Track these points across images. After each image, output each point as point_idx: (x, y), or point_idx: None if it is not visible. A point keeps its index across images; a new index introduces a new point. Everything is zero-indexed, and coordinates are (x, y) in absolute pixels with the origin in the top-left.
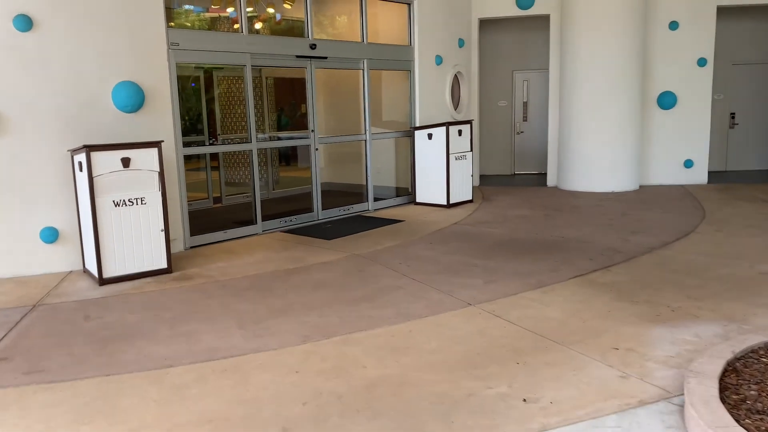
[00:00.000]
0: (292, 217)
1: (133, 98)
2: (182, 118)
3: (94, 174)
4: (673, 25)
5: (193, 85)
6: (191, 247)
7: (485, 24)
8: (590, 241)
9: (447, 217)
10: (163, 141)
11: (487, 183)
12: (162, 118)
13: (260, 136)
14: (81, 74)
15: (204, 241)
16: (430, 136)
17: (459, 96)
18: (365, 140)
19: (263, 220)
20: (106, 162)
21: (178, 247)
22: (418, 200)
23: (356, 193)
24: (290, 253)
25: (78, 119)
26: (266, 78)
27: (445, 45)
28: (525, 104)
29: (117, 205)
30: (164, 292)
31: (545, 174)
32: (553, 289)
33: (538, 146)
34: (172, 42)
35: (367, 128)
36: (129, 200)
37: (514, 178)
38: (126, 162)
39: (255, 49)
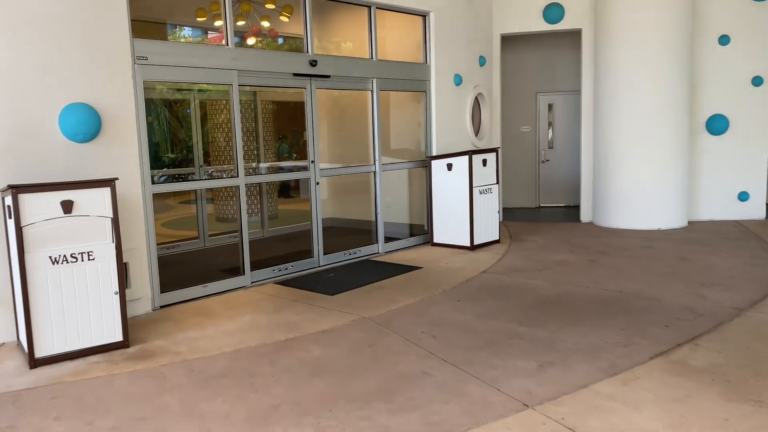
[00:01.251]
0: (288, 264)
1: (86, 124)
2: (171, 147)
3: (23, 222)
4: (724, 40)
5: (188, 111)
6: (161, 307)
7: (507, 41)
8: (657, 298)
9: (472, 262)
10: (117, 178)
11: (510, 218)
12: (124, 149)
13: (261, 165)
14: (18, 95)
15: (178, 298)
16: (449, 166)
17: (480, 120)
18: (374, 171)
19: (253, 268)
20: (41, 207)
21: (143, 308)
22: (435, 240)
23: (365, 231)
24: (282, 316)
25: (14, 151)
26: (263, 102)
27: (465, 63)
28: (550, 129)
29: (56, 262)
30: (111, 380)
31: (575, 207)
32: (635, 376)
33: (566, 176)
34: (139, 55)
35: (377, 158)
36: (72, 255)
37: (540, 211)
38: (68, 206)
39: (243, 65)
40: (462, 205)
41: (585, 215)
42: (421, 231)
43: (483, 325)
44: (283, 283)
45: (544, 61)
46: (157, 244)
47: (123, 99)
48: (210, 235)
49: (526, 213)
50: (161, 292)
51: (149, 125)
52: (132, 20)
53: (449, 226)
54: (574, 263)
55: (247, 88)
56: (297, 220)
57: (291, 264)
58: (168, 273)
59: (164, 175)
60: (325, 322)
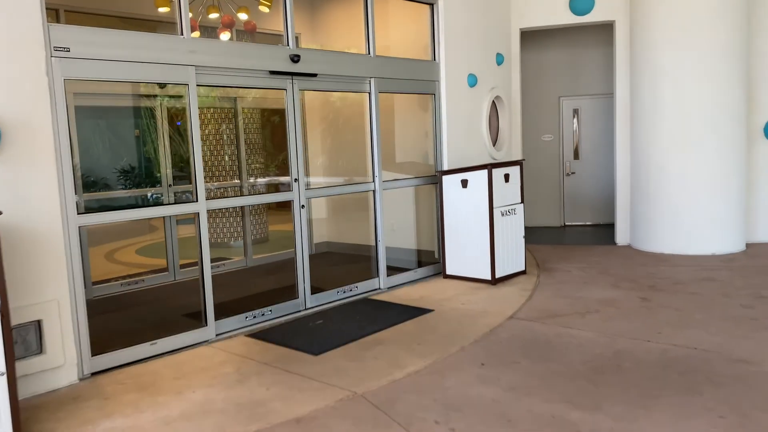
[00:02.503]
0: (266, 308)
1: None
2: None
3: None
4: None
5: (178, 123)
6: (93, 374)
7: (527, 36)
8: (748, 359)
9: (496, 302)
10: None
11: (533, 239)
12: (36, 169)
13: (244, 183)
14: None
15: (117, 361)
16: (464, 183)
17: (498, 128)
18: (374, 190)
19: (221, 315)
20: None
21: (66, 378)
22: (449, 272)
23: (365, 258)
24: (246, 392)
25: None
26: (247, 111)
27: (481, 61)
28: (576, 138)
29: None
30: None
31: (607, 227)
32: None
33: (595, 191)
34: (57, 45)
35: (377, 173)
36: None
37: (566, 231)
38: None
39: (202, 60)
40: (480, 230)
41: (621, 237)
42: (431, 259)
43: (519, 408)
44: (258, 335)
45: (569, 60)
46: (122, 278)
47: (34, 103)
48: (184, 266)
49: (550, 234)
50: (93, 355)
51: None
52: (78, 12)
53: (465, 254)
54: (623, 303)
55: (229, 92)
56: (292, 244)
57: (270, 308)
58: (112, 323)
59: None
60: (302, 403)
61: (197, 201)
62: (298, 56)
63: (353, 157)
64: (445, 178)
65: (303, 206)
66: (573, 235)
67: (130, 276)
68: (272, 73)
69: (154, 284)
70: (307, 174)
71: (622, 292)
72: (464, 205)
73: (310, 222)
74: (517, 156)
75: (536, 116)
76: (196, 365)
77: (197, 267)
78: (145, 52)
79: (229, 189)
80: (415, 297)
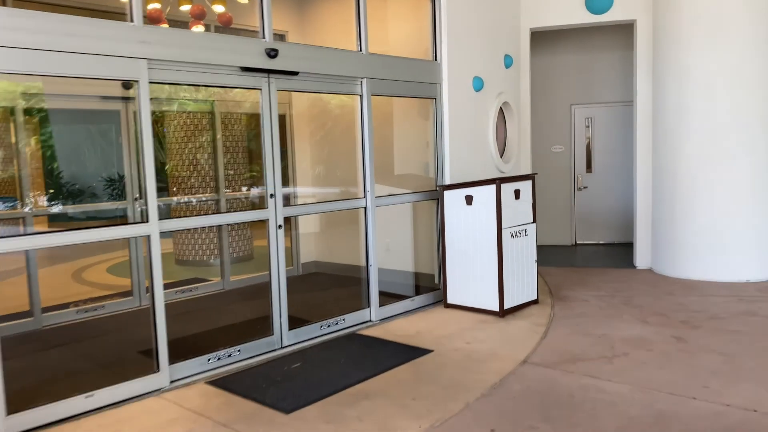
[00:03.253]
0: (234, 348)
1: None
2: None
3: None
4: None
5: (165, 130)
6: None
7: (536, 38)
8: None
9: (505, 341)
10: None
11: (543, 260)
12: None
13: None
14: None
15: (39, 420)
16: (469, 199)
17: (505, 138)
18: (365, 207)
19: (176, 358)
20: None
21: None
22: (450, 301)
23: (356, 280)
24: None
25: None
26: (227, 115)
27: (487, 62)
28: (588, 150)
29: None
30: None
31: (622, 246)
32: None
33: (609, 207)
34: None
35: (368, 188)
36: None
37: (577, 250)
38: None
39: (157, 53)
40: (487, 253)
41: (642, 260)
42: (431, 285)
43: None
44: (221, 382)
45: (582, 65)
46: (82, 302)
47: None
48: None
49: (561, 254)
50: (9, 413)
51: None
52: None
53: (469, 281)
54: (656, 344)
55: (205, 93)
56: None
57: (239, 347)
58: (48, 363)
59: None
60: None
61: (148, 221)
62: (276, 51)
63: (350, 167)
64: (447, 193)
65: (280, 226)
66: (586, 255)
67: (91, 300)
68: (245, 69)
69: (114, 311)
70: (294, 184)
71: (653, 330)
72: (468, 224)
73: (297, 239)
74: (525, 169)
75: (545, 125)
76: (139, 425)
77: (175, 288)
78: (83, 40)
79: (208, 203)
80: (411, 332)
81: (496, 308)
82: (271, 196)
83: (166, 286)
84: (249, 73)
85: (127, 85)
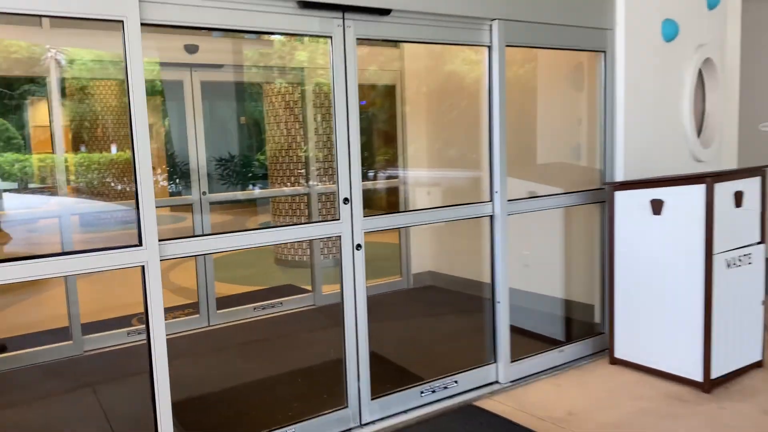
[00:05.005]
0: (292, 425)
1: None
2: None
3: None
4: None
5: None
6: None
7: None
8: None
9: None
10: None
11: None
12: None
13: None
14: None
15: None
16: (657, 205)
17: (703, 111)
18: (492, 215)
19: None
20: None
21: None
22: (620, 355)
23: (478, 301)
24: None
25: None
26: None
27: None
28: None
29: None
30: None
31: None
32: None
33: None
34: None
35: (497, 187)
36: None
37: None
38: None
39: None
40: (684, 288)
41: None
42: (586, 319)
43: None
44: None
45: None
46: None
47: None
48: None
49: None
50: None
51: None
52: None
53: (653, 327)
54: None
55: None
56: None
57: (293, 428)
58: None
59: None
60: None
61: (142, 245)
62: None
63: (472, 153)
64: (619, 195)
65: (359, 246)
66: None
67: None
68: (303, 4)
69: (52, 359)
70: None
71: None
72: (654, 243)
73: (408, 242)
74: (730, 157)
75: (755, 94)
76: None
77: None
78: None
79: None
80: (558, 413)
81: (698, 376)
82: (345, 201)
83: (251, 297)
84: (310, 11)
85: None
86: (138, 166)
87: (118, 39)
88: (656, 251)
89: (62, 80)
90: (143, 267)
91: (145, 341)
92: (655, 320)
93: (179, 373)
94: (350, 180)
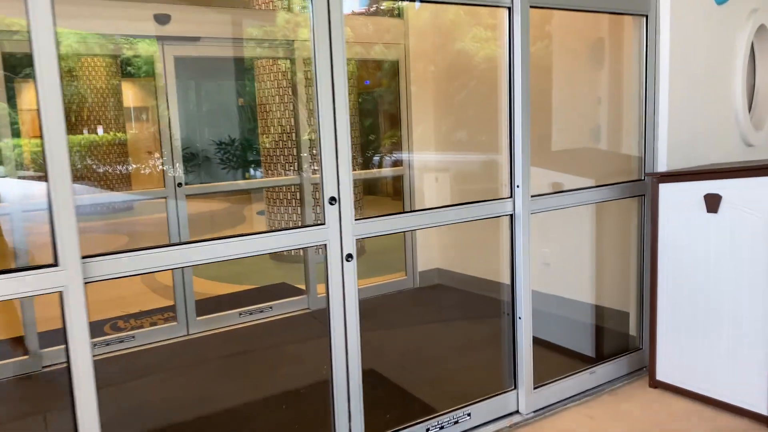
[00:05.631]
0: None
1: None
2: None
3: None
4: None
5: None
6: None
7: None
8: None
9: None
10: None
11: None
12: None
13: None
14: None
15: None
16: (712, 201)
17: (753, 87)
18: (512, 215)
19: None
20: None
21: None
22: (662, 377)
23: (494, 303)
24: None
25: None
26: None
27: None
28: None
29: None
30: None
31: None
32: None
33: None
34: None
35: (519, 181)
36: None
37: None
38: None
39: None
40: (747, 304)
41: None
42: (621, 333)
43: None
44: None
45: None
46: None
47: None
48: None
49: None
50: None
51: None
52: None
53: (704, 345)
54: None
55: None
56: (378, 268)
57: None
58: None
59: None
60: None
61: (58, 265)
62: None
63: (487, 140)
64: (664, 188)
65: (349, 257)
66: None
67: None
68: None
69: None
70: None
71: None
72: (708, 246)
73: (414, 238)
74: None
75: None
76: None
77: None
78: None
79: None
80: None
81: (764, 408)
82: (332, 201)
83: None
84: None
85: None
86: (49, 159)
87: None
88: (711, 257)
89: None
90: (60, 294)
91: (117, 353)
92: (709, 338)
93: (142, 399)
94: (338, 174)
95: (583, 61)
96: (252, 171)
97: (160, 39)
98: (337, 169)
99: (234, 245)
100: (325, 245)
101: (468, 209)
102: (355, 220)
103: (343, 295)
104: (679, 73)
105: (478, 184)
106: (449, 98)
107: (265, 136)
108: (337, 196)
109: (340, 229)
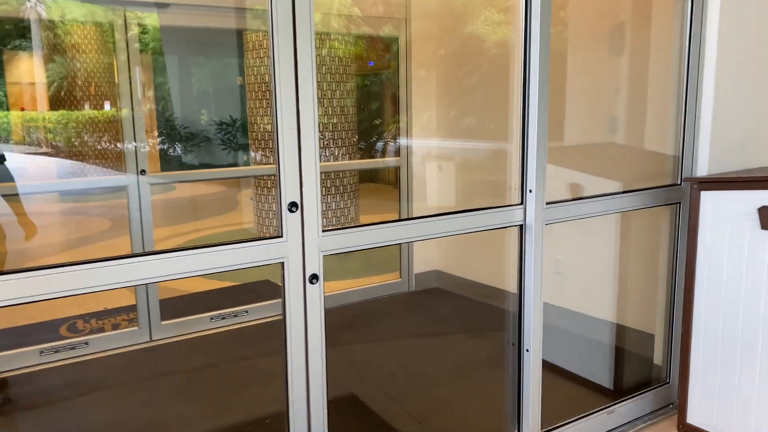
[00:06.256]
0: None
1: None
2: None
3: None
4: None
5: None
6: None
7: None
8: None
9: None
10: None
11: None
12: None
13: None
14: None
15: None
16: None
17: None
18: (523, 224)
19: None
20: None
21: None
22: (693, 419)
23: (498, 313)
24: None
25: None
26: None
27: None
28: None
29: None
30: None
31: None
32: None
33: None
34: None
35: (532, 185)
36: None
37: None
38: None
39: None
40: None
41: None
42: (644, 359)
43: None
44: None
45: None
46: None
47: None
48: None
49: None
50: None
51: None
52: None
53: (752, 388)
54: None
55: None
56: (368, 269)
57: None
58: None
59: None
60: None
61: None
62: None
63: (495, 129)
64: (707, 196)
65: (314, 278)
66: None
67: None
68: None
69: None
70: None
71: None
72: (761, 269)
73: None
74: None
75: None
76: None
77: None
78: None
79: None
80: None
81: None
82: (293, 207)
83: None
84: None
85: None
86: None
87: None
88: (764, 282)
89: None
90: None
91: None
92: (758, 381)
93: (78, 421)
94: (300, 173)
95: (603, 48)
96: (252, 154)
97: (122, 3)
98: (299, 166)
99: (157, 265)
100: (282, 263)
101: (468, 218)
102: (323, 231)
103: (305, 326)
104: (729, 57)
105: (486, 174)
106: (458, 83)
107: (253, 118)
108: (299, 201)
109: (303, 244)
